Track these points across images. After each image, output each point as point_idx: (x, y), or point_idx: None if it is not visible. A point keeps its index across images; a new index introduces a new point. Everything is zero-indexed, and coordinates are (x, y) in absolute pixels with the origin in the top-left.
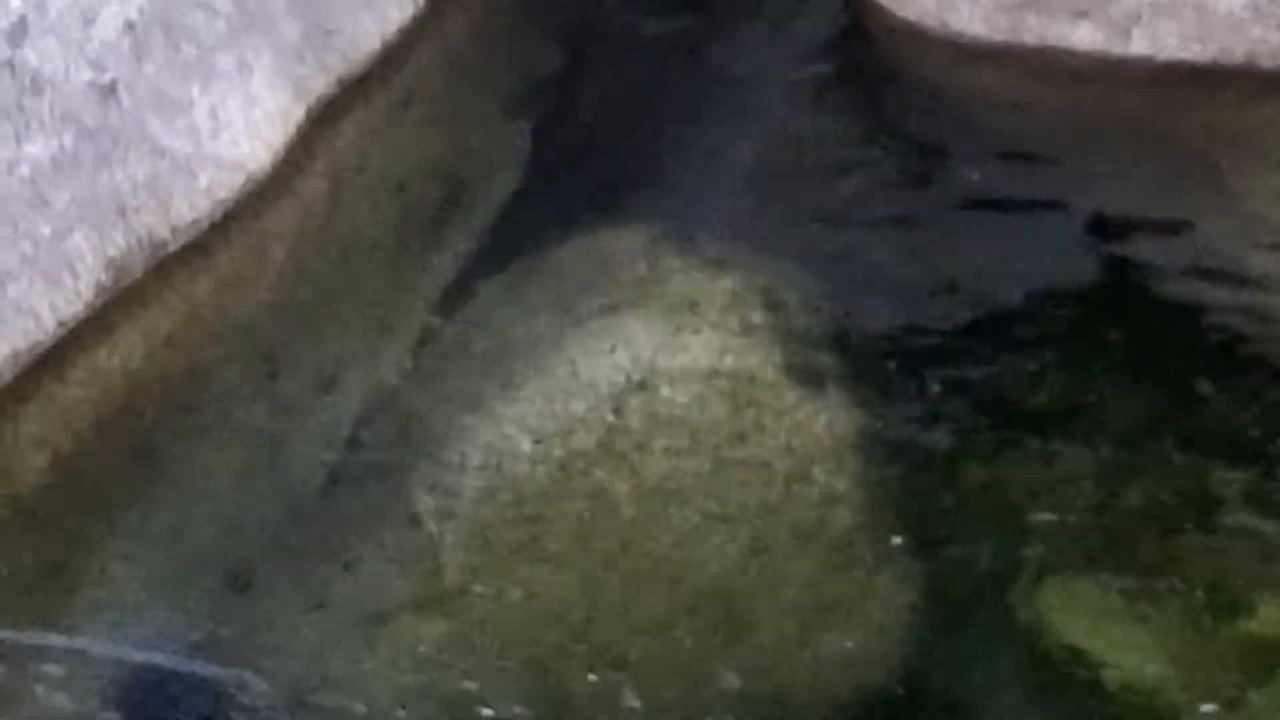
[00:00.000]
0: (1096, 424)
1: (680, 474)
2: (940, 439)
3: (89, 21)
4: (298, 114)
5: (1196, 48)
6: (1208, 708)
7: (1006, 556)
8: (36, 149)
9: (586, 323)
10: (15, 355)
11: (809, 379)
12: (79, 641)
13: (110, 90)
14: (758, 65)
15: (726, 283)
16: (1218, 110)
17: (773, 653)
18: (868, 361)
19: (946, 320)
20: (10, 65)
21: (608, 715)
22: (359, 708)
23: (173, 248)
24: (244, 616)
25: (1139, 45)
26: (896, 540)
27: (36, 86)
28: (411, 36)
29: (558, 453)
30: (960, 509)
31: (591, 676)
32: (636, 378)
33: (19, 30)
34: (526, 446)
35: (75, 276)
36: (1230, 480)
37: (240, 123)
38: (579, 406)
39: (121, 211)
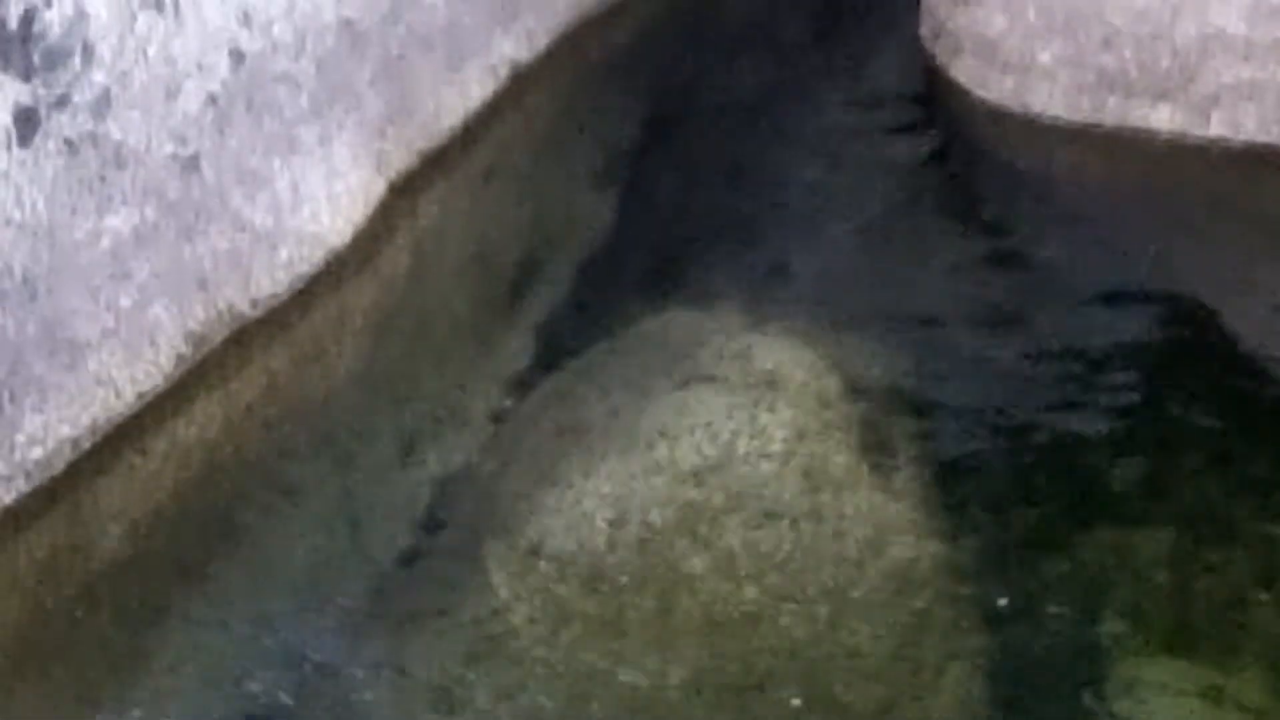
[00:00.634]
0: (1176, 504)
1: (757, 550)
2: (1016, 518)
3: (172, 95)
4: (379, 188)
5: (1275, 130)
6: None
7: (1085, 634)
8: (119, 221)
9: (665, 399)
10: (94, 427)
11: (885, 457)
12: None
13: (193, 163)
14: (839, 142)
15: (805, 360)
16: None
17: None
18: (945, 440)
19: (1025, 399)
20: (94, 138)
21: None
22: None
23: (252, 320)
24: (321, 692)
25: (1218, 127)
26: (973, 617)
27: (120, 159)
28: (493, 111)
29: (636, 530)
30: (1037, 587)
31: None
32: (714, 455)
33: (103, 103)
34: (605, 524)
35: (155, 348)
36: None
37: (322, 196)
38: (658, 484)
39: (202, 284)
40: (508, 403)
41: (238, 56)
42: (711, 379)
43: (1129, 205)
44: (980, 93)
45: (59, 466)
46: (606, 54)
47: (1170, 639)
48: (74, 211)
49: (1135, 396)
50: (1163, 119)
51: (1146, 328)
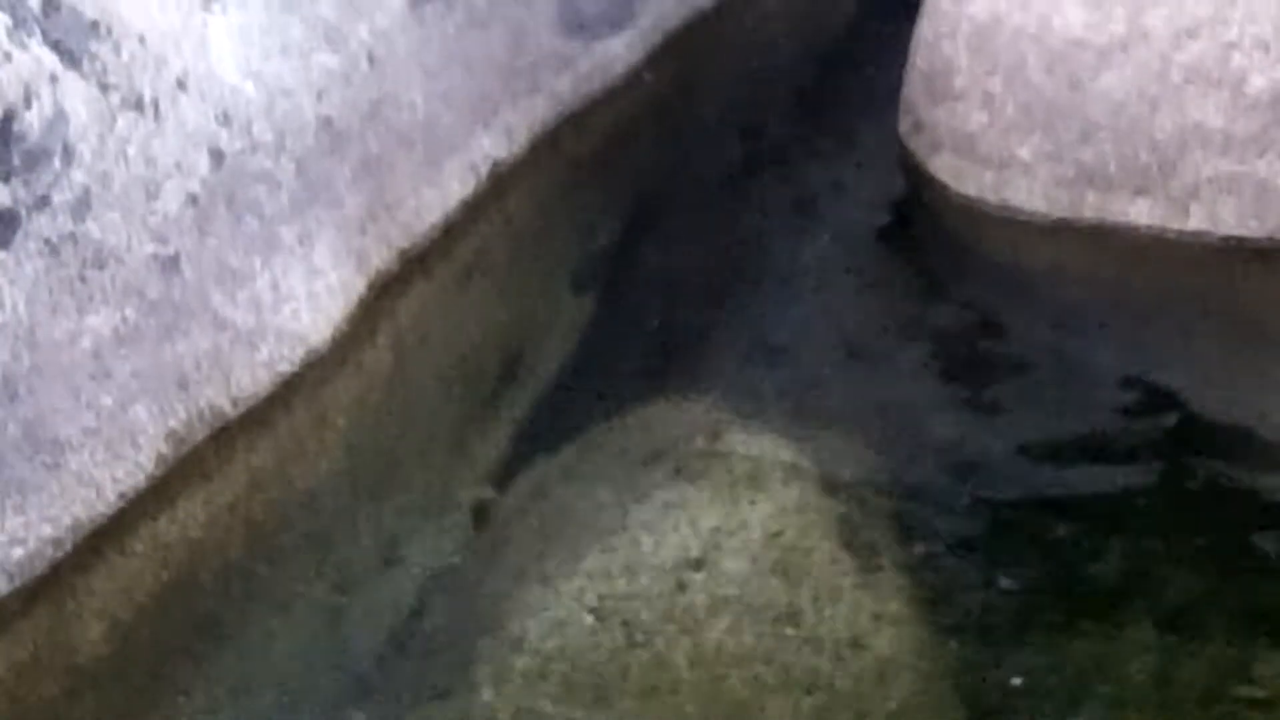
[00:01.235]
0: (1155, 600)
1: (741, 647)
2: (997, 615)
3: (152, 195)
4: (359, 286)
5: (1253, 224)
6: None
7: None
8: (99, 321)
9: (648, 495)
10: (76, 526)
11: (866, 554)
12: None
13: (173, 263)
14: (816, 237)
15: (785, 456)
16: (1276, 285)
17: None
18: (925, 537)
19: (1005, 495)
20: (74, 238)
21: None
22: None
23: (233, 418)
24: None
25: (1196, 221)
26: (955, 713)
27: (100, 260)
28: (473, 209)
29: (619, 626)
30: (1019, 683)
31: None
32: (697, 551)
33: (83, 203)
34: (588, 620)
35: (137, 448)
36: None
37: (302, 295)
38: (641, 580)
39: (183, 384)
40: (489, 499)
41: (217, 156)
42: (693, 475)
43: (1108, 299)
44: (959, 188)
45: (41, 566)
46: (586, 150)
47: None
48: (55, 311)
49: (1115, 492)
50: (1141, 213)
51: (1126, 423)
